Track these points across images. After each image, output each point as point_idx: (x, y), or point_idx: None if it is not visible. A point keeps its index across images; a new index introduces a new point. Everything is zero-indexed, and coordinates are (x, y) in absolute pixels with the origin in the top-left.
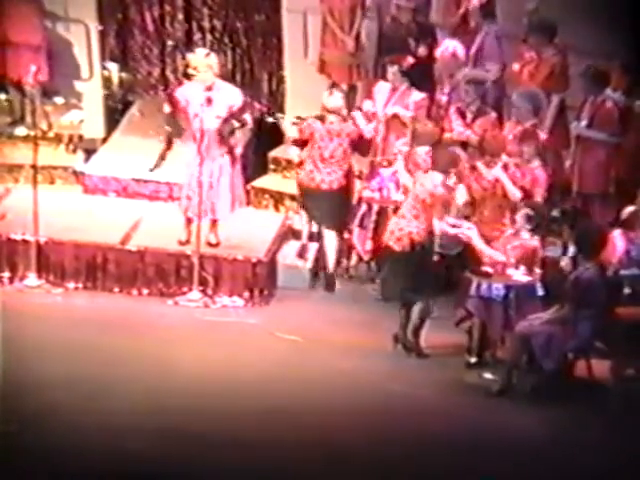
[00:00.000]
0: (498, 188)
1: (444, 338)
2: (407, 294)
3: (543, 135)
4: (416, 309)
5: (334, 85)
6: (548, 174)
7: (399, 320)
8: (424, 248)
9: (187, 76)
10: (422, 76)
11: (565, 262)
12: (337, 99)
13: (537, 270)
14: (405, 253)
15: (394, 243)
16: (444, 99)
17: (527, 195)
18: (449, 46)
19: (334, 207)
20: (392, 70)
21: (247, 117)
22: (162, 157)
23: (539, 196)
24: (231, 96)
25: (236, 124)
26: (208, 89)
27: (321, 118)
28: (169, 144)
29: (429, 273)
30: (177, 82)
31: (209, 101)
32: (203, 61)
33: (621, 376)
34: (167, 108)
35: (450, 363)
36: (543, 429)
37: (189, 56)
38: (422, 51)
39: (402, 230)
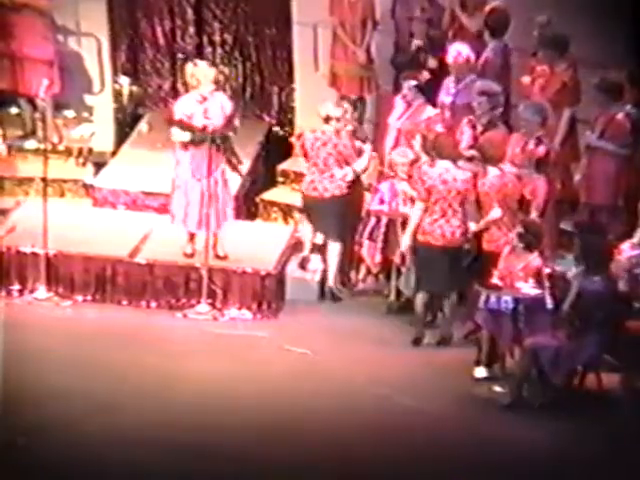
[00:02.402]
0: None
1: (452, 351)
2: (443, 286)
3: (543, 147)
4: (452, 299)
5: (343, 98)
6: (551, 187)
7: (418, 316)
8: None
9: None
10: (431, 88)
11: (572, 275)
12: (331, 108)
13: (546, 284)
14: (445, 248)
15: (433, 239)
16: (448, 100)
17: (526, 206)
18: (462, 51)
19: (336, 216)
20: (407, 85)
21: (237, 122)
22: None
23: (536, 209)
24: (224, 104)
25: (229, 132)
26: (203, 100)
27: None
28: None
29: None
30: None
31: (206, 112)
32: (207, 73)
33: (631, 389)
34: (182, 135)
35: (459, 376)
36: (553, 442)
37: (188, 67)
38: (432, 63)
39: (442, 226)
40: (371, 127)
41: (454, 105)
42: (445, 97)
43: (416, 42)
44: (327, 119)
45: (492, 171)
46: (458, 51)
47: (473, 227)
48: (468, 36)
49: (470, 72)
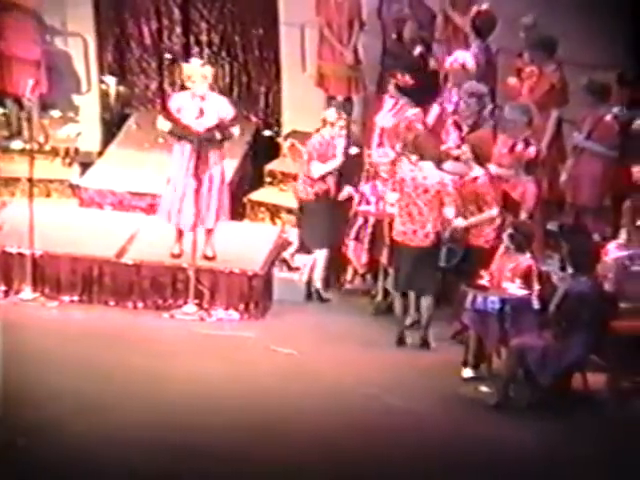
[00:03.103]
0: (472, 190)
1: (439, 352)
2: (421, 286)
3: (533, 149)
4: (428, 301)
5: (331, 99)
6: (539, 188)
7: (398, 314)
8: (438, 243)
9: (184, 89)
10: (427, 89)
11: (558, 276)
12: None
13: (536, 286)
14: (422, 248)
15: (403, 238)
16: (450, 108)
17: (515, 208)
18: (459, 57)
19: (324, 220)
20: (390, 84)
21: (235, 130)
22: None
23: (525, 210)
24: (222, 107)
25: (218, 136)
26: (201, 99)
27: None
28: None
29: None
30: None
31: (201, 112)
32: (198, 71)
33: (617, 389)
34: (165, 124)
35: (447, 376)
36: (540, 443)
37: (184, 66)
38: (433, 64)
39: (410, 226)
40: (358, 128)
41: (456, 113)
42: (448, 104)
43: (419, 48)
44: (325, 122)
45: (476, 170)
46: (455, 57)
47: (461, 223)
48: (462, 38)
49: (468, 79)
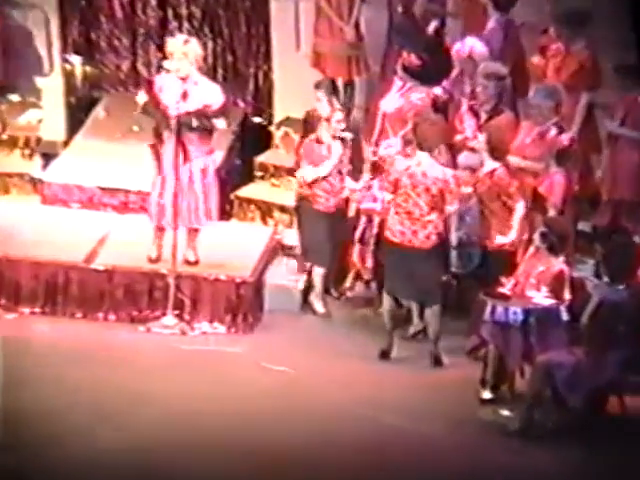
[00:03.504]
0: (492, 184)
1: (454, 369)
2: (424, 293)
3: (567, 136)
4: (434, 311)
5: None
6: (569, 182)
7: (386, 324)
8: (444, 245)
9: (161, 69)
10: (440, 71)
11: (592, 284)
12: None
13: (567, 295)
14: (423, 250)
15: (395, 237)
16: (463, 100)
17: (542, 204)
18: (466, 45)
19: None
20: (398, 67)
21: (219, 123)
22: None
23: (552, 206)
24: (209, 93)
25: (193, 122)
26: (183, 81)
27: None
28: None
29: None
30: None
31: (184, 95)
32: (180, 48)
33: None
34: (143, 97)
35: (462, 398)
36: (568, 474)
37: (168, 40)
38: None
39: (407, 226)
40: (361, 114)
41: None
42: (461, 97)
43: (434, 23)
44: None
45: (490, 163)
46: (461, 45)
47: (507, 239)
48: (480, 11)
49: (476, 69)
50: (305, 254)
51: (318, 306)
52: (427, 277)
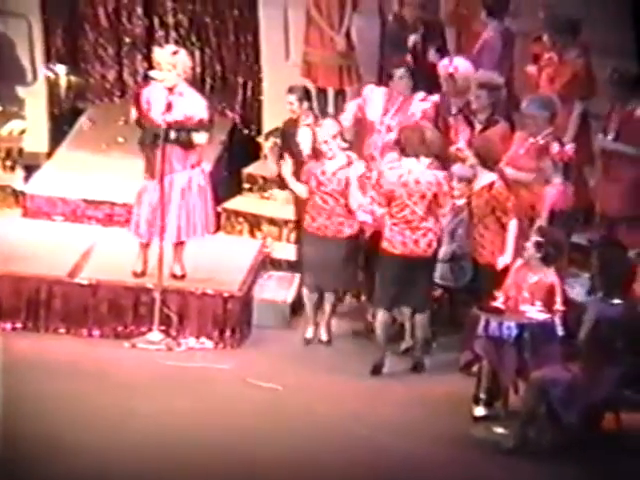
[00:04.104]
0: (489, 198)
1: (447, 386)
2: (418, 300)
3: (572, 147)
4: (426, 317)
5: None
6: (563, 193)
7: (380, 334)
8: (435, 252)
9: (147, 79)
10: (430, 83)
11: (589, 298)
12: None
13: (559, 307)
14: (423, 258)
15: (392, 247)
16: (452, 121)
17: (532, 215)
18: (451, 65)
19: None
20: (399, 73)
21: (198, 137)
22: None
23: (539, 217)
24: (192, 105)
25: (172, 135)
26: (169, 91)
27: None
28: None
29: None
30: (137, 85)
31: (169, 107)
32: (168, 59)
33: None
34: (134, 113)
35: (454, 415)
36: None
37: (155, 50)
38: (431, 56)
39: (403, 234)
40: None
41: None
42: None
43: (413, 37)
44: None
45: (486, 177)
46: (446, 63)
47: (505, 260)
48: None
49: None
50: (315, 277)
51: (323, 335)
52: (426, 283)
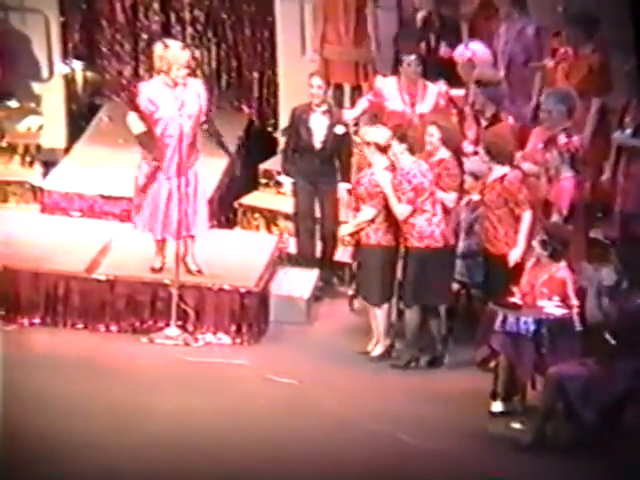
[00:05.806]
0: (501, 190)
1: (464, 381)
2: (440, 294)
3: (577, 138)
4: (442, 313)
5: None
6: (579, 188)
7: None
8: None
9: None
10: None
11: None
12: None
13: (574, 302)
14: (440, 249)
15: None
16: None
17: (547, 211)
18: (467, 50)
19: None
20: (408, 60)
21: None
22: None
23: (557, 212)
24: (200, 92)
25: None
26: (175, 86)
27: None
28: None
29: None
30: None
31: (182, 103)
32: (180, 56)
33: None
34: (138, 126)
35: (472, 410)
36: None
37: (161, 51)
38: (443, 50)
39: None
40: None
41: None
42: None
43: (421, 14)
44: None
45: (499, 170)
46: (463, 50)
47: (515, 255)
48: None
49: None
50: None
51: (378, 349)
52: (444, 277)
